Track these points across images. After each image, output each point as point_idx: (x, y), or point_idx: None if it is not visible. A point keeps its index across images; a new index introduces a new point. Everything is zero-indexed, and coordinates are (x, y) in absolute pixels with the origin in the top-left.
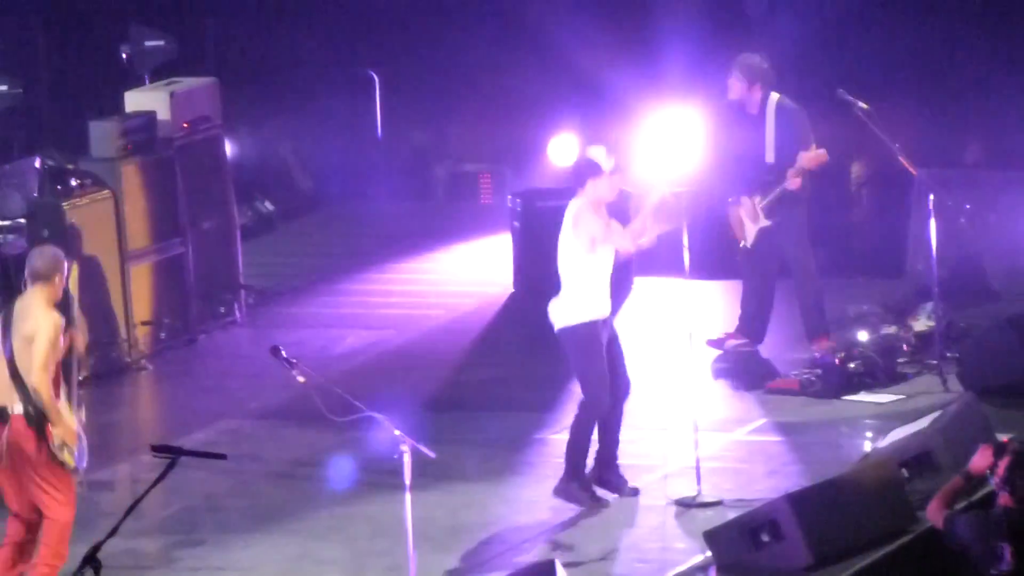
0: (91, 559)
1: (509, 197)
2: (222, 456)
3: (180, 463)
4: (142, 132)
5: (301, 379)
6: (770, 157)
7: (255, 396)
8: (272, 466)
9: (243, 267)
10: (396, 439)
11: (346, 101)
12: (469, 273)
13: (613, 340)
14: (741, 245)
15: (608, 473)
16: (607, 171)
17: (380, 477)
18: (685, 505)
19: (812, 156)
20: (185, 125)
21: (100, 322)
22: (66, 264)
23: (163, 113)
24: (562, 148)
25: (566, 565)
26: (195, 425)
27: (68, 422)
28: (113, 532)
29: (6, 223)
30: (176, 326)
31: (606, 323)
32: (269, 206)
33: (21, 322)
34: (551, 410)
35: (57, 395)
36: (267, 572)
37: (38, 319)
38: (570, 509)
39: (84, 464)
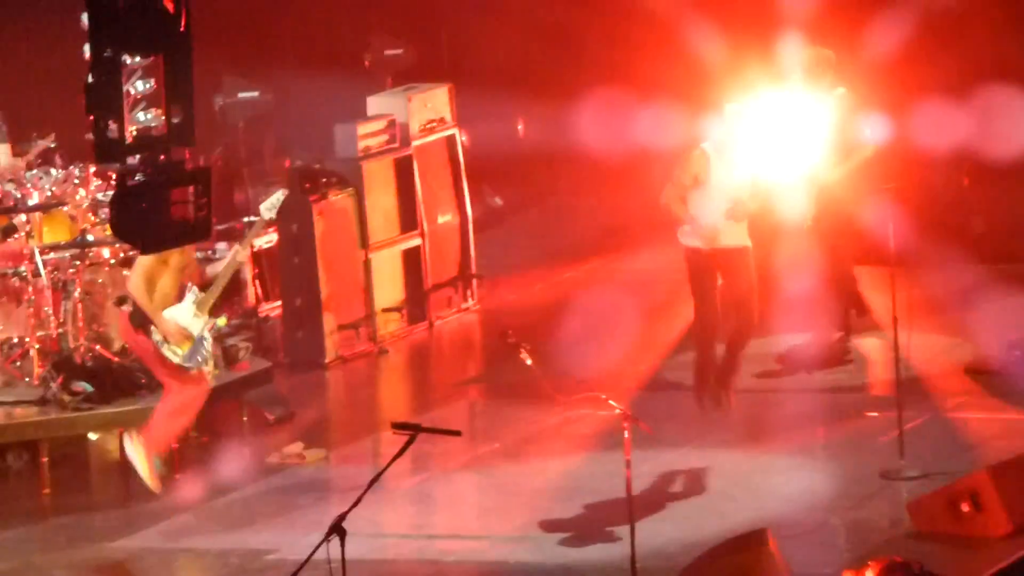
0: (337, 527)
1: None
2: (457, 433)
3: (418, 439)
4: (383, 133)
5: (528, 361)
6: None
7: (487, 377)
8: (504, 442)
9: (476, 258)
10: (617, 416)
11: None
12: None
13: (735, 273)
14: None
15: (715, 386)
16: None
17: (603, 453)
18: (890, 478)
19: None
20: (423, 126)
21: (346, 309)
22: None
23: (402, 116)
24: None
25: (778, 536)
26: (432, 404)
27: (166, 323)
28: (357, 502)
29: (258, 219)
30: (415, 313)
31: (717, 255)
32: (498, 200)
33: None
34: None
35: (180, 298)
36: (498, 540)
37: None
38: (781, 482)
39: (192, 364)
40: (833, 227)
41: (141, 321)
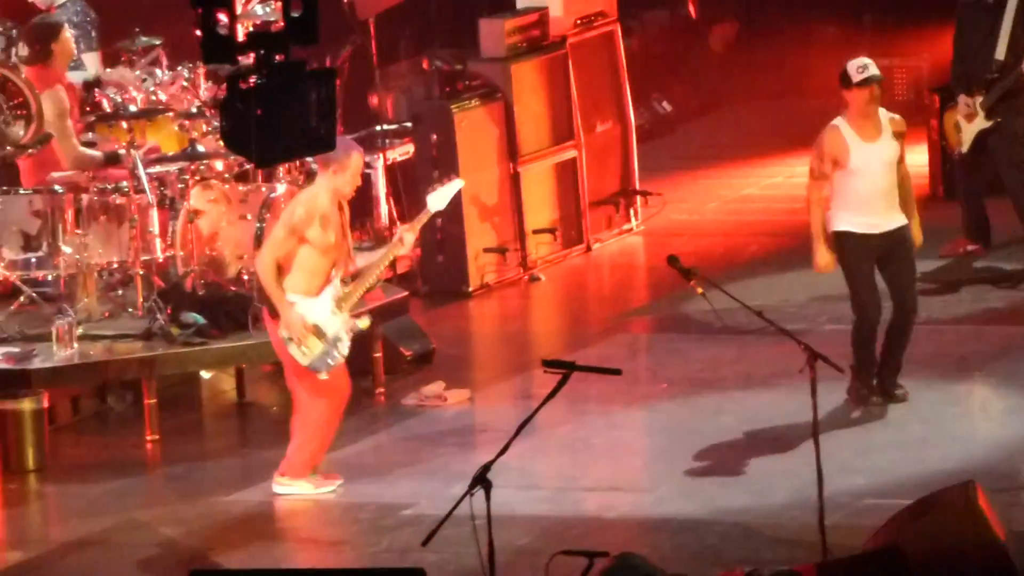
0: (482, 478)
1: (926, 93)
2: (617, 371)
3: (573, 379)
4: (534, 29)
5: (700, 290)
6: (1000, 53)
7: (652, 308)
8: (670, 381)
9: (639, 172)
10: (801, 352)
11: None
12: None
13: (892, 258)
14: (955, 153)
15: (880, 381)
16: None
17: (785, 393)
18: None
19: None
20: (579, 20)
21: (492, 231)
22: (352, 161)
23: (556, 9)
24: None
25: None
26: (589, 338)
27: (291, 315)
28: (504, 450)
29: (393, 127)
30: (570, 234)
31: (875, 238)
32: (667, 106)
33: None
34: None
35: (317, 290)
36: (664, 493)
37: (296, 202)
38: (990, 427)
39: (322, 368)
40: None
41: (276, 310)
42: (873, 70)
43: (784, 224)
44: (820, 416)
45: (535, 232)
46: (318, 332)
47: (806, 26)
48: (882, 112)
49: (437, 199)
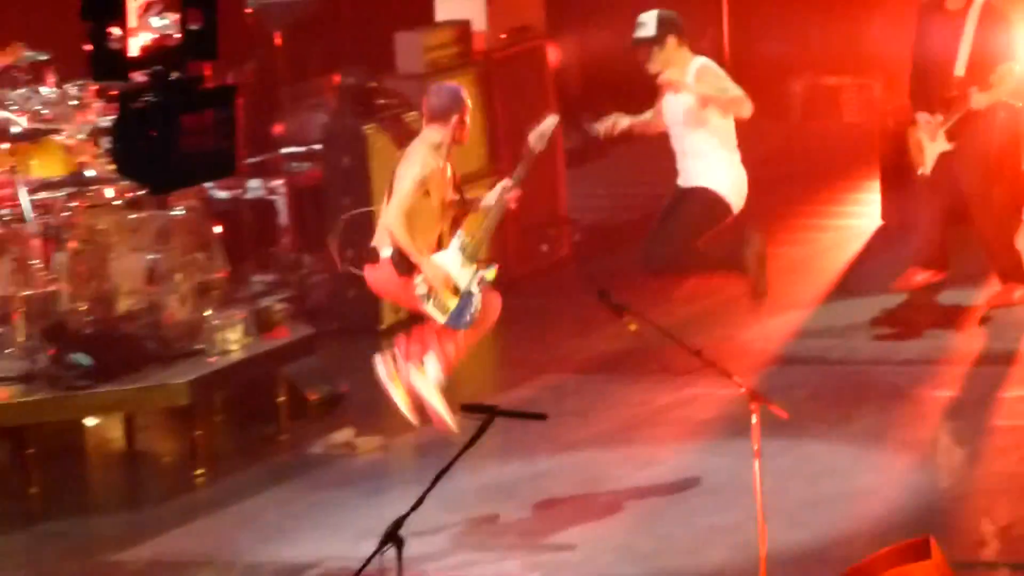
0: (394, 535)
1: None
2: (542, 416)
3: (496, 425)
4: (455, 44)
5: (633, 327)
6: (960, 69)
7: (581, 347)
8: (600, 427)
9: (568, 199)
10: (743, 397)
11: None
12: (831, 202)
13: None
14: (919, 172)
15: None
16: None
17: (725, 441)
18: None
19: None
20: (504, 35)
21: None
22: (468, 104)
23: (479, 22)
24: None
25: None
26: (513, 380)
27: (432, 269)
28: (419, 503)
29: (300, 149)
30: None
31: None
32: (598, 128)
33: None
34: (931, 363)
35: (440, 246)
36: (593, 550)
37: (409, 158)
38: (946, 480)
39: (461, 321)
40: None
41: (408, 267)
42: (644, 30)
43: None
44: (764, 465)
45: None
46: (454, 287)
47: (747, 40)
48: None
49: (538, 138)
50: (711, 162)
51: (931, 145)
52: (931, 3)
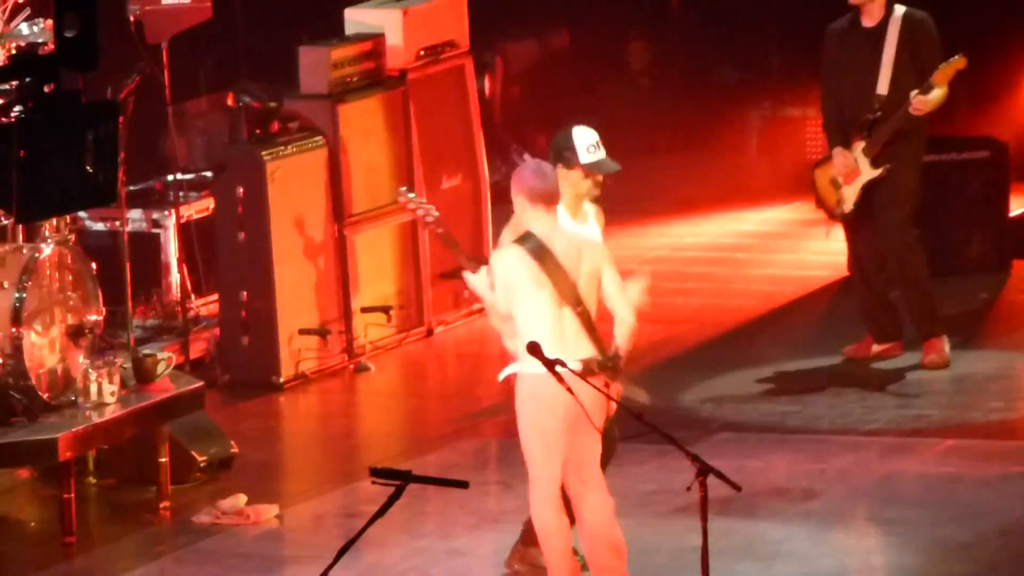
0: None
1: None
2: (463, 484)
3: (408, 492)
4: (367, 61)
5: (566, 386)
6: (883, 87)
7: (508, 406)
8: (525, 498)
9: (494, 238)
10: (691, 467)
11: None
12: (788, 251)
13: None
14: (835, 215)
15: None
16: None
17: (667, 515)
18: None
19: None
20: (423, 51)
21: (311, 308)
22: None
23: (394, 36)
24: None
25: None
26: (429, 443)
27: None
28: None
29: (189, 177)
30: (408, 315)
31: None
32: (528, 158)
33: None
34: (891, 435)
35: None
36: None
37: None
38: (922, 565)
39: None
40: None
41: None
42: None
43: (672, 308)
44: (712, 544)
45: (364, 310)
46: None
47: (703, 71)
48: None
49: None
50: None
51: (851, 184)
52: (841, 26)
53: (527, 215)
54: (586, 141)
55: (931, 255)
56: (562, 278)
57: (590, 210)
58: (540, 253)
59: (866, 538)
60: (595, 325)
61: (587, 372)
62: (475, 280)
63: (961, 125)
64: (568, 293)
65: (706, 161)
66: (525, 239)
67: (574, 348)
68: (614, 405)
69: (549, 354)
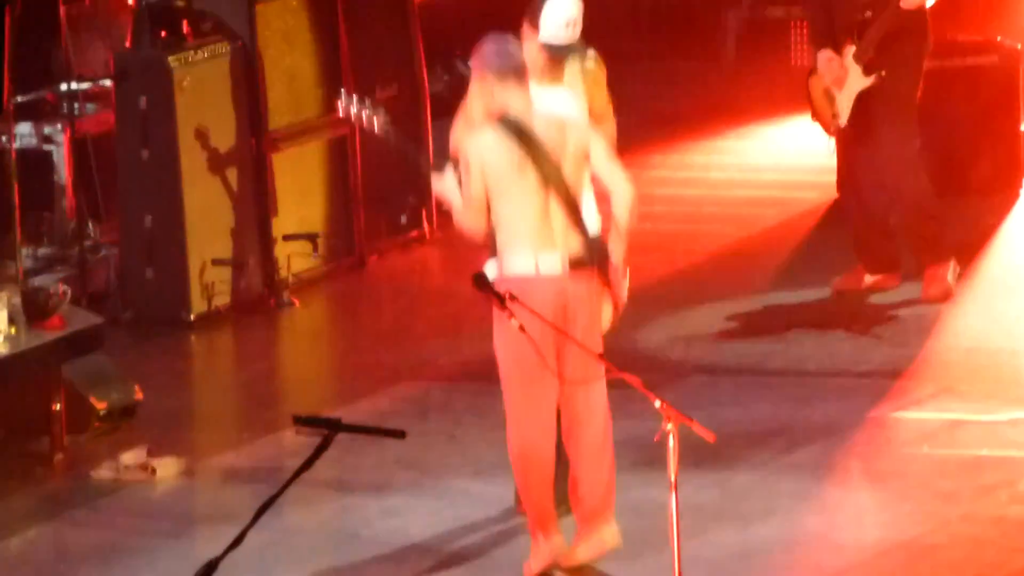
0: None
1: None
2: (400, 434)
3: (337, 444)
4: None
5: (516, 323)
6: None
7: (450, 348)
8: (472, 451)
9: (436, 157)
10: (657, 412)
11: None
12: (770, 170)
13: None
14: (832, 130)
15: None
16: None
17: (632, 472)
18: None
19: None
20: None
21: (224, 236)
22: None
23: None
24: None
25: None
26: (362, 389)
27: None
28: (237, 542)
29: (85, 85)
30: (336, 243)
31: None
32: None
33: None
34: (886, 378)
35: None
36: None
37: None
38: (904, 513)
39: None
40: None
41: None
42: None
43: (638, 234)
44: (683, 501)
45: (286, 238)
46: None
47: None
48: None
49: None
50: None
51: (843, 92)
52: None
53: (500, 94)
54: (560, 15)
55: (934, 173)
56: (545, 161)
57: (574, 69)
58: (520, 134)
59: (857, 492)
60: (581, 213)
61: (577, 266)
62: (443, 183)
63: (967, 26)
64: (553, 177)
65: (677, 69)
66: (502, 120)
67: (563, 240)
68: (624, 295)
69: (535, 249)
